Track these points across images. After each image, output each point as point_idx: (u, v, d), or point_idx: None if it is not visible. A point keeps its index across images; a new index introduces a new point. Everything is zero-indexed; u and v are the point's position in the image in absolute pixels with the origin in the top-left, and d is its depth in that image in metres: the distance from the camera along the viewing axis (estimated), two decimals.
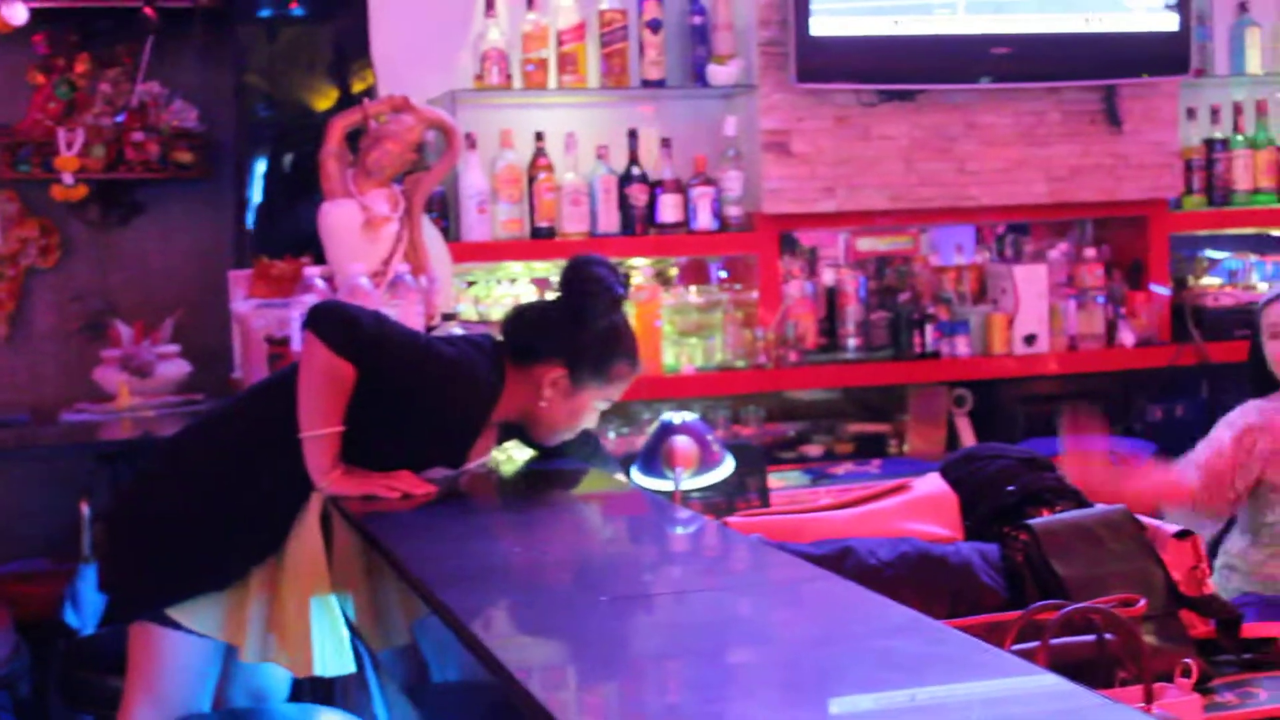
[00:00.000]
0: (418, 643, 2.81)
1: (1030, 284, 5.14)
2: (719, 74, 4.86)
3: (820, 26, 4.80)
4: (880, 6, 4.89)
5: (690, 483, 3.29)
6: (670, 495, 3.18)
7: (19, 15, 4.86)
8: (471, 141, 4.62)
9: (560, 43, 4.78)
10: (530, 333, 2.93)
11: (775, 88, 4.89)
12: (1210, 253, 5.77)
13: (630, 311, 3.35)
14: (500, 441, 3.08)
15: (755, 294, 4.92)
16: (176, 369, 5.16)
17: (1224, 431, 4.06)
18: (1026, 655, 2.36)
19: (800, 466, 4.90)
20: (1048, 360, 5.15)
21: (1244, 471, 4.05)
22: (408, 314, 3.71)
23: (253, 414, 2.96)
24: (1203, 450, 4.06)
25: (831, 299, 5.06)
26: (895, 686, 1.74)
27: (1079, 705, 1.71)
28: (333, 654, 2.86)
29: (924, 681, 1.75)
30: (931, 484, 3.32)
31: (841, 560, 2.86)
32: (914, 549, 2.98)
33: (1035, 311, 5.13)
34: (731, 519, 3.16)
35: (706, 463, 3.34)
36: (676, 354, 4.81)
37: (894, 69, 4.97)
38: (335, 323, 2.72)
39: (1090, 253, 5.33)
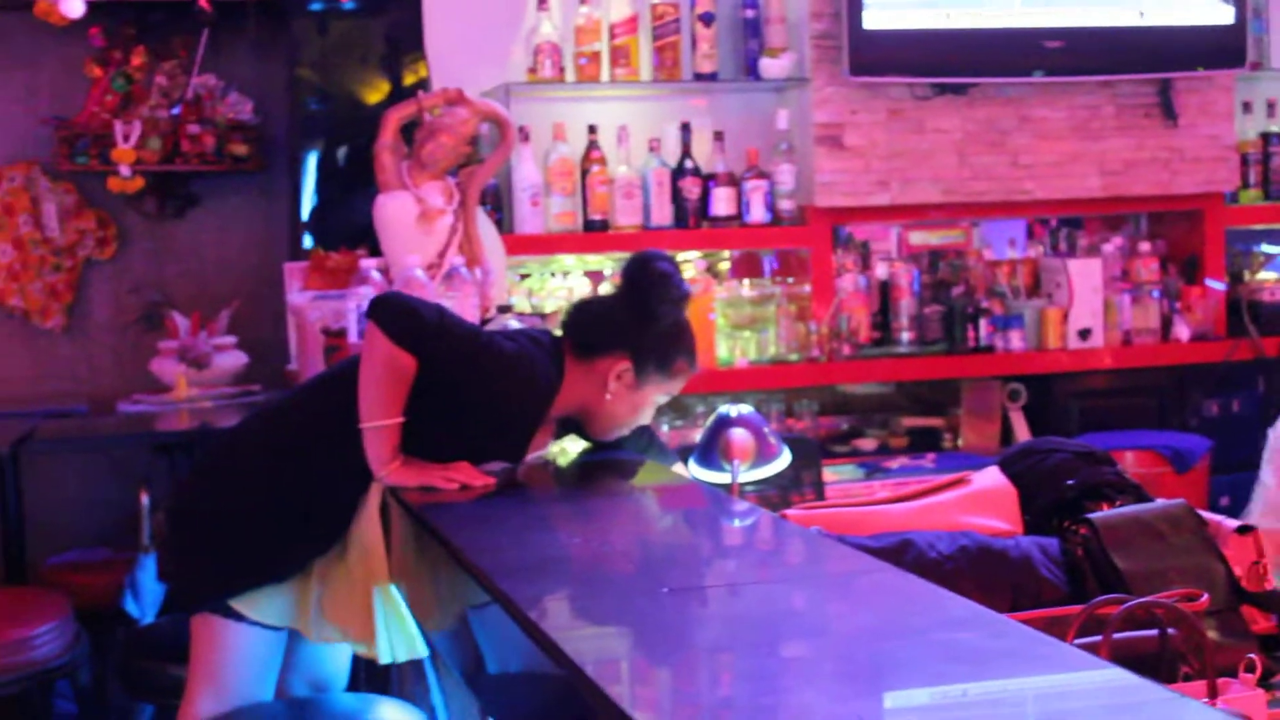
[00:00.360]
0: (475, 633, 2.82)
1: (1085, 278, 5.13)
2: (771, 67, 4.86)
3: (873, 19, 4.81)
4: (933, 0, 4.88)
5: (747, 475, 3.28)
6: (727, 488, 3.18)
7: (76, 8, 4.88)
8: (525, 134, 4.63)
9: (613, 36, 4.79)
10: (595, 327, 2.94)
11: (828, 81, 4.89)
12: (1267, 247, 5.75)
13: (691, 298, 3.39)
14: (558, 436, 3.09)
15: (808, 287, 4.93)
16: (233, 360, 5.19)
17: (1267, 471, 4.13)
18: (1089, 649, 2.33)
19: (854, 460, 4.93)
20: (1102, 355, 5.16)
21: None
22: (462, 306, 3.73)
23: (312, 406, 2.97)
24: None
25: (884, 292, 5.08)
26: (956, 679, 1.73)
27: (1144, 699, 1.70)
28: (394, 641, 2.88)
29: (985, 675, 1.75)
30: (990, 478, 3.31)
31: (901, 553, 2.87)
32: (974, 542, 2.98)
33: (1090, 306, 5.13)
34: (789, 512, 3.12)
35: (763, 455, 3.34)
36: (730, 347, 4.82)
37: (947, 62, 4.97)
38: (397, 314, 2.73)
39: (1145, 247, 5.34)
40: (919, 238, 5.38)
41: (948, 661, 1.81)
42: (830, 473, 4.54)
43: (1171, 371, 5.24)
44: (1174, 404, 5.17)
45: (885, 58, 4.89)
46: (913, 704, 1.71)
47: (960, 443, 5.13)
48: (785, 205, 4.88)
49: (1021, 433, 5.03)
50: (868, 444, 5.05)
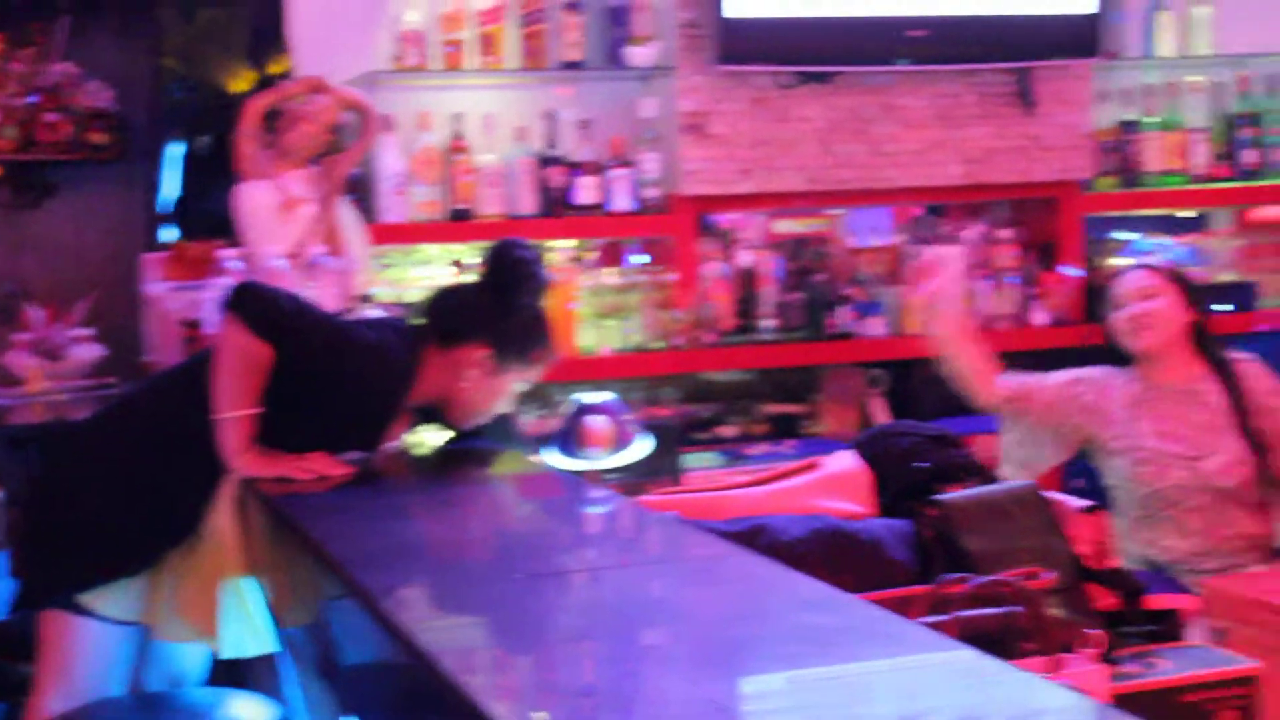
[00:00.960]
0: (331, 624, 2.82)
1: (949, 264, 4.94)
2: (637, 56, 4.90)
3: (737, 8, 4.86)
4: None
5: (605, 462, 3.34)
6: (586, 475, 3.23)
7: None
8: (389, 123, 4.62)
9: (479, 24, 4.79)
10: (455, 315, 2.96)
11: (693, 70, 4.93)
12: (1121, 234, 5.86)
13: (552, 293, 3.40)
14: (417, 424, 3.10)
15: (672, 276, 4.96)
16: (89, 352, 5.13)
17: (1057, 375, 4.27)
18: (936, 628, 2.32)
19: (715, 447, 4.95)
20: None
21: (1050, 409, 4.22)
22: (324, 296, 3.73)
23: (166, 398, 2.96)
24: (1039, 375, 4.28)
25: (748, 281, 5.10)
26: (808, 661, 1.76)
27: (986, 675, 1.73)
28: (244, 636, 2.86)
29: (836, 656, 1.78)
30: (844, 461, 3.35)
31: (755, 537, 2.88)
32: (826, 525, 3.00)
33: (950, 292, 5.16)
34: (646, 498, 3.19)
35: (621, 442, 3.39)
36: (593, 336, 4.85)
37: (811, 51, 5.02)
38: (254, 303, 2.74)
39: (1004, 234, 5.42)
40: (784, 226, 5.42)
41: (799, 643, 1.84)
42: (691, 459, 4.60)
43: (1029, 356, 5.14)
44: None
45: (750, 46, 4.92)
46: (767, 687, 1.74)
47: (821, 429, 5.15)
48: (650, 193, 4.91)
49: (881, 418, 5.08)
50: (729, 431, 5.07)
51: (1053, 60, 5.32)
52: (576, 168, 4.84)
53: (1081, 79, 5.46)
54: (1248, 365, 4.24)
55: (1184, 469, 4.07)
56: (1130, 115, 5.69)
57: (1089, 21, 5.26)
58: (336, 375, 2.80)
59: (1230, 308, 5.61)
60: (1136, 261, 4.58)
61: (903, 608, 2.46)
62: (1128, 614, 3.01)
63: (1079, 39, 5.29)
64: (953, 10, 5.12)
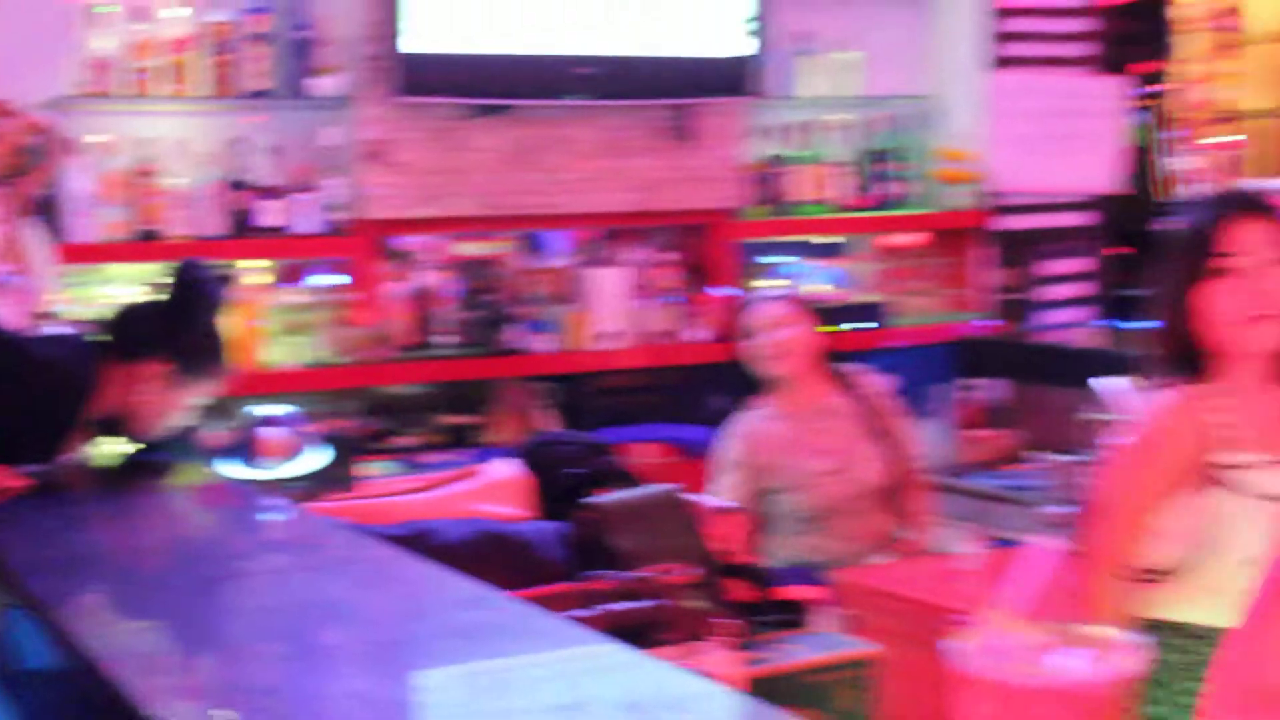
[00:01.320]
0: (9, 633, 2.84)
1: (609, 286, 5.39)
2: (322, 86, 5.00)
3: (416, 43, 4.95)
4: (474, 26, 5.04)
5: (280, 472, 3.37)
6: (261, 484, 3.29)
7: None
8: (78, 146, 4.66)
9: (169, 52, 4.85)
10: (136, 330, 3.00)
11: (375, 100, 5.03)
12: (771, 258, 6.02)
13: (235, 311, 3.49)
14: (98, 437, 3.11)
15: (354, 295, 5.05)
16: None
17: (732, 474, 4.45)
18: (584, 622, 2.38)
19: (394, 457, 5.00)
20: (625, 355, 5.41)
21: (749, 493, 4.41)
22: (8, 313, 3.71)
23: None
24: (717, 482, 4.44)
25: (427, 300, 5.20)
26: (466, 656, 1.82)
27: (628, 664, 1.80)
28: None
29: (491, 651, 1.83)
30: (505, 468, 3.41)
31: (419, 540, 2.85)
32: (486, 528, 3.04)
33: (613, 311, 5.38)
34: (315, 505, 3.20)
35: (296, 453, 3.46)
36: (278, 351, 4.92)
37: (487, 85, 5.10)
38: None
39: (665, 257, 5.61)
40: (465, 248, 5.51)
41: (460, 640, 1.90)
42: (370, 468, 4.64)
43: (686, 370, 5.52)
44: (688, 400, 5.45)
45: (429, 80, 5.02)
46: (430, 682, 1.79)
47: (494, 438, 5.21)
48: (334, 217, 5.01)
49: (551, 428, 5.19)
50: (407, 441, 5.14)
51: (708, 98, 5.46)
52: (263, 192, 4.93)
53: (734, 116, 5.61)
54: (868, 378, 4.56)
55: (839, 482, 4.35)
56: (778, 150, 5.88)
57: (740, 63, 5.43)
58: (10, 388, 2.82)
59: (867, 325, 5.84)
60: (764, 294, 4.80)
61: (554, 604, 2.48)
62: (761, 605, 3.06)
63: (731, 79, 5.44)
64: (617, 51, 5.24)
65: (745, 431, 4.49)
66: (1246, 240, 2.67)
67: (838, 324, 5.60)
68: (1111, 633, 1.15)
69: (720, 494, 4.40)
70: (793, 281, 5.81)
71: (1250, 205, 2.74)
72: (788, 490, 4.42)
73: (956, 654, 1.17)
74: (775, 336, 4.48)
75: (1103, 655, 1.13)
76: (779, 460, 4.42)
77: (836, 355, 4.64)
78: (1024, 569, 1.12)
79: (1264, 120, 7.49)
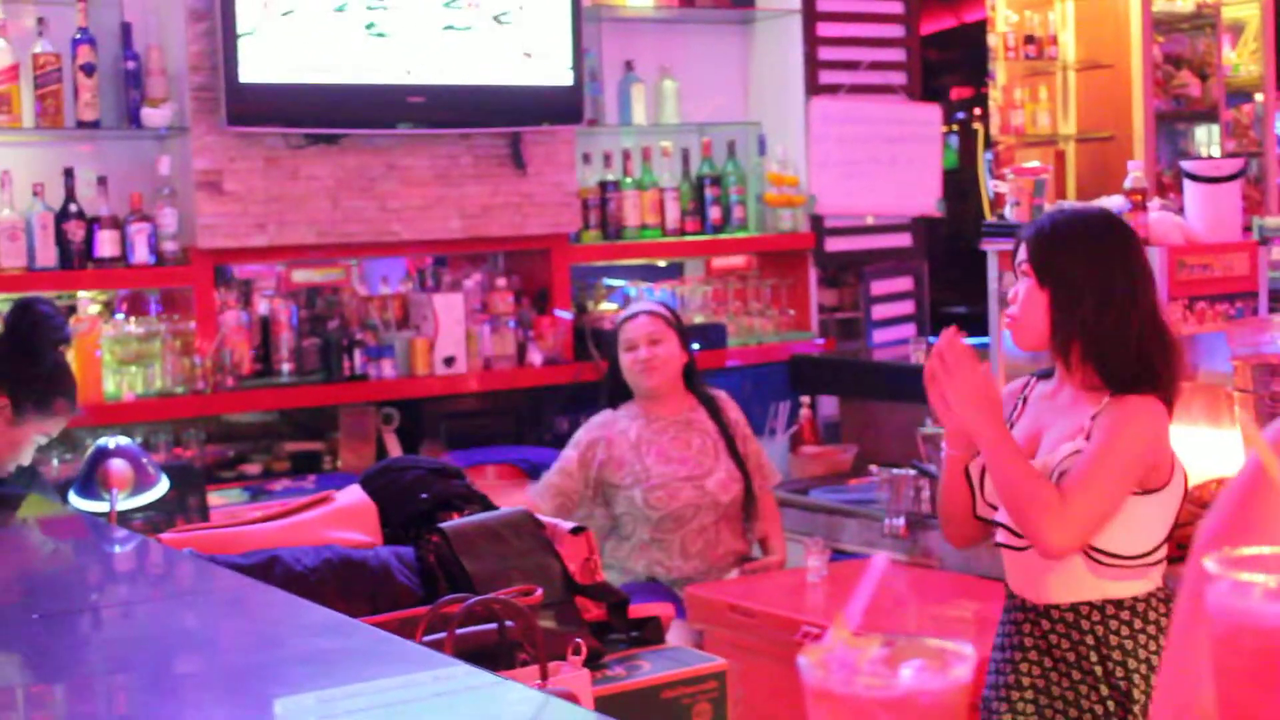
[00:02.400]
0: None
1: (449, 311, 5.40)
2: (152, 116, 5.00)
3: (249, 73, 4.94)
4: (304, 55, 5.05)
5: (127, 503, 3.32)
6: (107, 516, 3.23)
7: None
8: None
9: None
10: None
11: (207, 130, 5.01)
12: (607, 280, 6.13)
13: (75, 344, 3.50)
14: None
15: (193, 324, 5.02)
16: None
17: (571, 451, 4.57)
18: (436, 645, 2.46)
19: (240, 484, 5.01)
20: (467, 379, 5.44)
21: (586, 482, 4.55)
22: None
23: None
24: (554, 472, 4.54)
25: (266, 327, 5.21)
26: (320, 684, 1.83)
27: (477, 686, 1.81)
28: None
29: (344, 678, 1.84)
30: (352, 495, 3.37)
31: (269, 569, 2.88)
32: (336, 555, 3.02)
33: (454, 336, 5.39)
34: (165, 535, 3.14)
35: (142, 484, 3.27)
36: (117, 382, 4.89)
37: (318, 114, 5.12)
38: None
39: (501, 282, 5.63)
40: (302, 275, 5.54)
41: (312, 667, 1.91)
42: (216, 497, 4.66)
43: (527, 393, 5.59)
44: (530, 421, 5.53)
45: (261, 109, 5.03)
46: (279, 712, 1.80)
47: (339, 464, 5.27)
48: (169, 246, 5.00)
49: (395, 452, 5.23)
50: (253, 469, 5.15)
51: (539, 126, 5.51)
52: (95, 222, 4.90)
53: (566, 143, 5.66)
54: (725, 398, 4.70)
55: (691, 489, 4.46)
56: (610, 176, 5.97)
57: (570, 92, 5.51)
58: None
59: (707, 346, 5.84)
60: (640, 307, 4.85)
61: (406, 629, 2.55)
62: (614, 623, 3.12)
63: (562, 107, 5.51)
64: (448, 80, 5.29)
65: (601, 423, 4.61)
66: None
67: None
68: (947, 645, 1.16)
69: (554, 482, 4.54)
70: (661, 302, 5.84)
71: None
72: (633, 488, 4.52)
73: (804, 668, 1.18)
74: (650, 351, 4.60)
75: (939, 666, 1.15)
76: (625, 455, 4.54)
77: (697, 373, 4.76)
78: (864, 582, 1.22)
79: (1071, 144, 7.81)
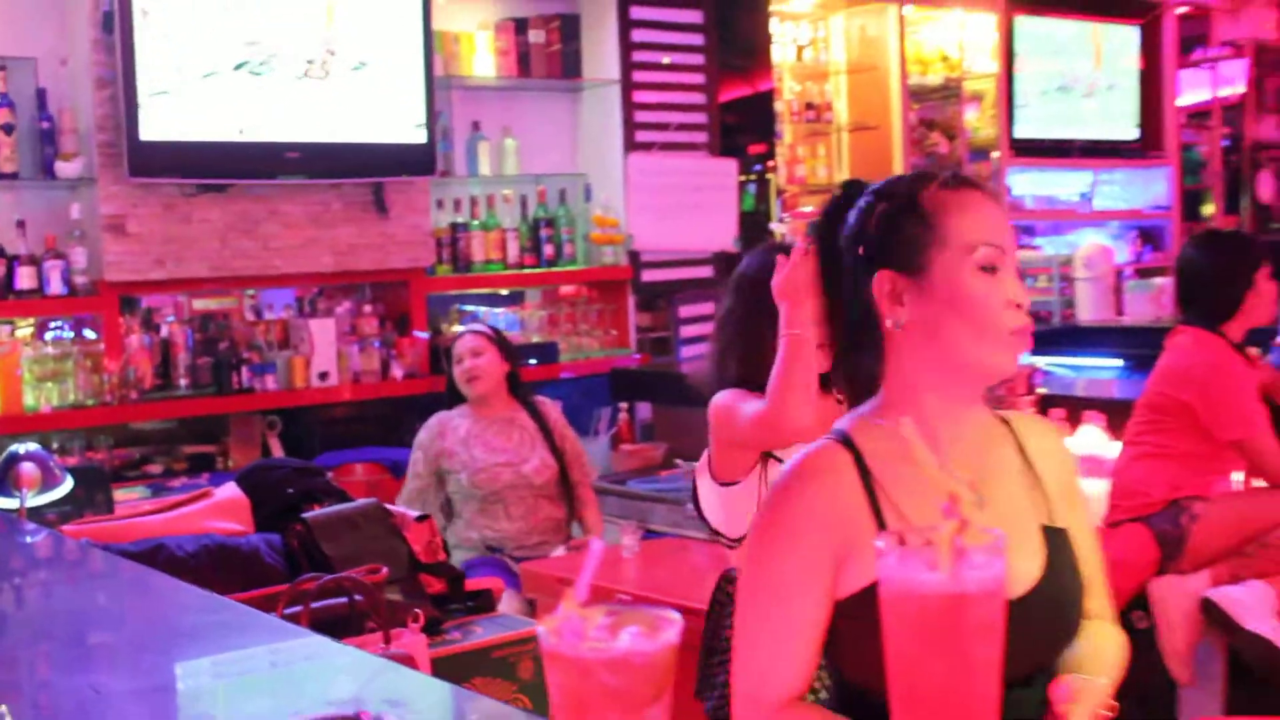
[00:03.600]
0: None
1: (323, 334, 5.42)
2: (65, 169, 4.99)
3: (147, 133, 4.92)
4: (196, 117, 5.04)
5: (35, 500, 3.26)
6: (17, 511, 3.17)
7: None
8: None
9: None
10: None
11: (112, 180, 4.99)
12: (461, 307, 6.17)
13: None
14: None
15: (101, 346, 5.02)
16: None
17: (416, 454, 4.62)
18: (294, 618, 2.53)
19: (144, 483, 4.94)
20: (339, 391, 5.45)
21: (431, 474, 4.59)
22: None
23: None
24: (410, 479, 4.58)
25: (166, 348, 5.19)
26: (197, 653, 1.84)
27: (326, 652, 1.82)
28: None
29: (217, 647, 1.85)
30: (228, 491, 3.44)
31: (155, 554, 2.92)
32: (214, 541, 3.08)
33: (327, 354, 5.42)
34: (66, 528, 3.17)
35: (49, 483, 3.22)
36: (36, 396, 4.87)
37: (209, 167, 5.10)
38: None
39: (367, 309, 5.65)
40: (200, 304, 5.48)
41: (189, 638, 1.92)
42: (121, 494, 4.60)
43: (390, 402, 5.58)
44: (393, 426, 5.51)
45: (158, 163, 5.00)
46: (178, 674, 1.80)
47: (230, 464, 5.21)
48: (80, 280, 4.99)
49: (278, 453, 5.23)
50: (155, 469, 5.11)
51: (399, 177, 5.54)
52: (15, 259, 4.90)
53: (422, 191, 5.69)
54: (547, 404, 4.78)
55: (510, 472, 4.52)
56: (460, 218, 6.01)
57: (425, 148, 5.55)
58: None
59: (543, 361, 5.98)
60: (468, 328, 4.89)
61: (270, 604, 2.59)
62: (452, 595, 3.26)
63: (418, 161, 5.54)
64: (320, 138, 5.29)
65: (437, 422, 4.67)
66: None
67: (519, 358, 5.88)
68: (659, 613, 1.17)
69: (410, 480, 4.58)
70: (488, 322, 5.83)
71: None
72: (461, 472, 4.59)
73: (541, 635, 1.18)
74: (474, 363, 4.69)
75: (651, 631, 1.15)
76: (456, 447, 4.61)
77: (520, 381, 4.82)
78: (587, 564, 1.22)
79: None
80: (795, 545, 1.67)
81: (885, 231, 1.77)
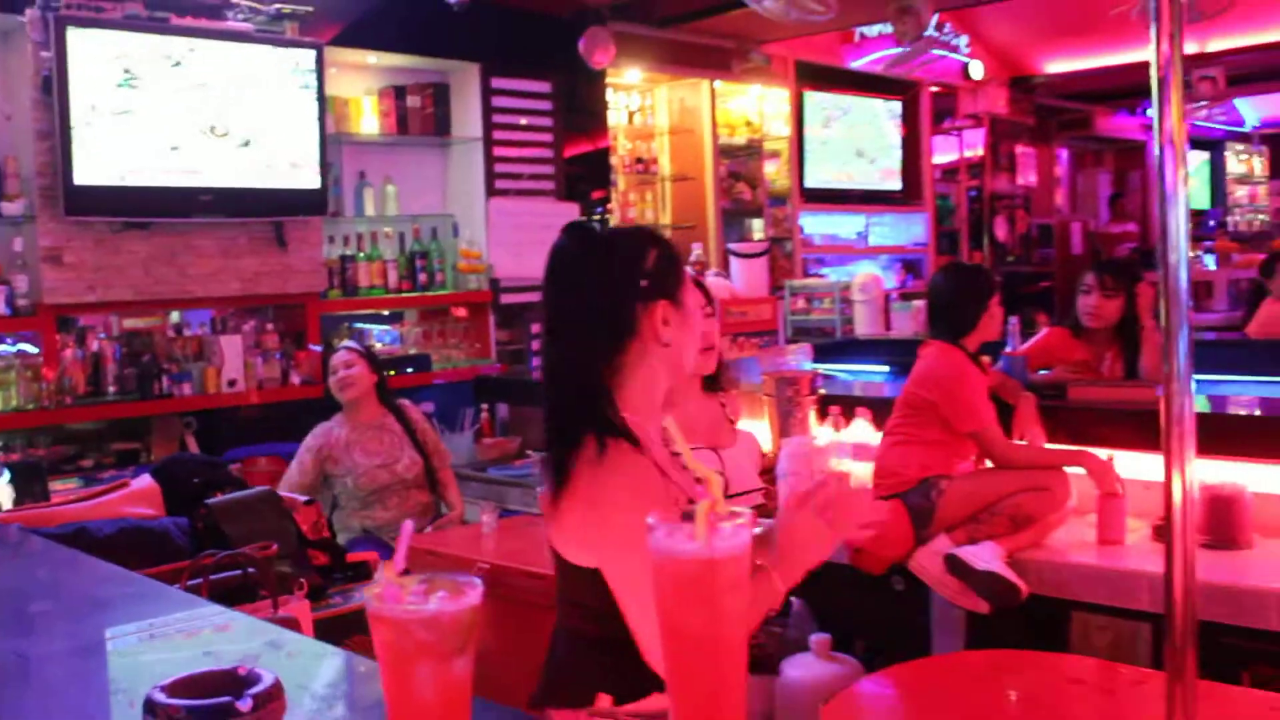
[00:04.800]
0: None
1: (231, 348, 5.39)
2: (9, 208, 4.91)
3: (80, 178, 4.86)
4: (123, 165, 4.98)
5: None
6: None
7: None
8: None
9: None
10: None
11: (50, 218, 4.91)
12: (350, 325, 6.14)
13: None
14: None
15: (41, 359, 4.94)
16: None
17: (305, 455, 4.61)
18: (195, 589, 2.51)
19: (78, 475, 4.86)
20: (246, 395, 5.41)
21: (320, 473, 4.58)
22: None
23: None
24: (294, 471, 4.54)
25: (97, 361, 5.10)
26: (103, 620, 1.80)
27: (217, 617, 1.80)
28: None
29: (124, 616, 1.80)
30: (143, 481, 3.43)
31: (78, 537, 2.90)
32: (131, 524, 3.05)
33: (236, 365, 5.38)
34: (2, 514, 3.16)
35: None
36: None
37: (134, 207, 5.04)
38: None
39: (270, 327, 5.60)
40: (130, 322, 5.40)
41: (104, 608, 1.87)
42: (58, 485, 4.52)
43: (289, 404, 5.53)
44: (292, 425, 5.28)
45: (90, 204, 4.94)
46: (107, 635, 1.75)
47: (153, 458, 5.13)
48: (22, 303, 4.92)
49: (194, 449, 5.19)
50: (87, 463, 5.04)
51: (296, 216, 5.53)
52: None
53: (316, 229, 5.68)
54: (409, 406, 4.78)
55: (386, 473, 4.54)
56: (348, 251, 6.00)
57: (319, 192, 5.55)
58: None
59: (418, 370, 6.02)
60: (342, 345, 4.91)
61: (176, 577, 2.57)
62: (335, 567, 3.30)
63: (313, 203, 5.55)
64: (229, 184, 5.24)
65: (322, 432, 4.68)
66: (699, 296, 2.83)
67: (397, 370, 5.88)
68: (462, 580, 1.14)
69: (294, 473, 4.54)
70: (360, 339, 5.88)
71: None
72: (346, 476, 4.60)
73: (366, 600, 1.15)
74: (345, 373, 4.71)
75: (457, 595, 1.14)
76: (340, 454, 4.62)
77: (387, 389, 4.84)
78: (401, 541, 1.23)
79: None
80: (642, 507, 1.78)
81: (661, 269, 1.87)
